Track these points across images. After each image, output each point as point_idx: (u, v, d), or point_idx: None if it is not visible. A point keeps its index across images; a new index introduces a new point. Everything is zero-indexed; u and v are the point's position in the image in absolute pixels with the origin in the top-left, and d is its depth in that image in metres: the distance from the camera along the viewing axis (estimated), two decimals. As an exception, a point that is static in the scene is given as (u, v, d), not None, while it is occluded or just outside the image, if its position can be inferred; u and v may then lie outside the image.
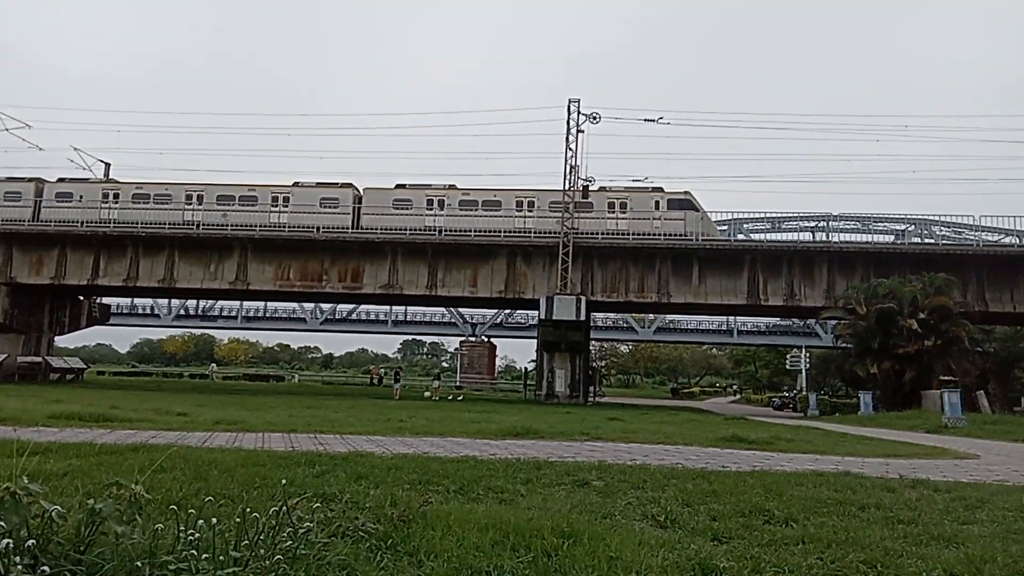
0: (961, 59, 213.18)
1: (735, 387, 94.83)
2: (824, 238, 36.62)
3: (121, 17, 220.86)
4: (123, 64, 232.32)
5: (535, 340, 38.58)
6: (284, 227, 37.16)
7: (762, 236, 40.03)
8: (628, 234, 35.89)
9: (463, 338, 75.12)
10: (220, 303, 74.01)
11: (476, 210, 37.06)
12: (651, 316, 70.71)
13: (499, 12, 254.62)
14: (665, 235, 35.37)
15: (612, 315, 70.00)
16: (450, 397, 36.55)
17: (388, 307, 72.30)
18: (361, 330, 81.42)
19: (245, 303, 73.45)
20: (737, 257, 35.31)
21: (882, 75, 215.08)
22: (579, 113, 36.62)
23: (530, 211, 37.16)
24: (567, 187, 35.87)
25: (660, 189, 37.32)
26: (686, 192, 36.91)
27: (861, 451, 10.99)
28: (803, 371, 58.57)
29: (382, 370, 72.66)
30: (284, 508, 2.83)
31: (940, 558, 3.77)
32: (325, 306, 72.75)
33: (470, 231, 36.32)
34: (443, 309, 71.69)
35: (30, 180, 39.95)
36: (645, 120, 38.48)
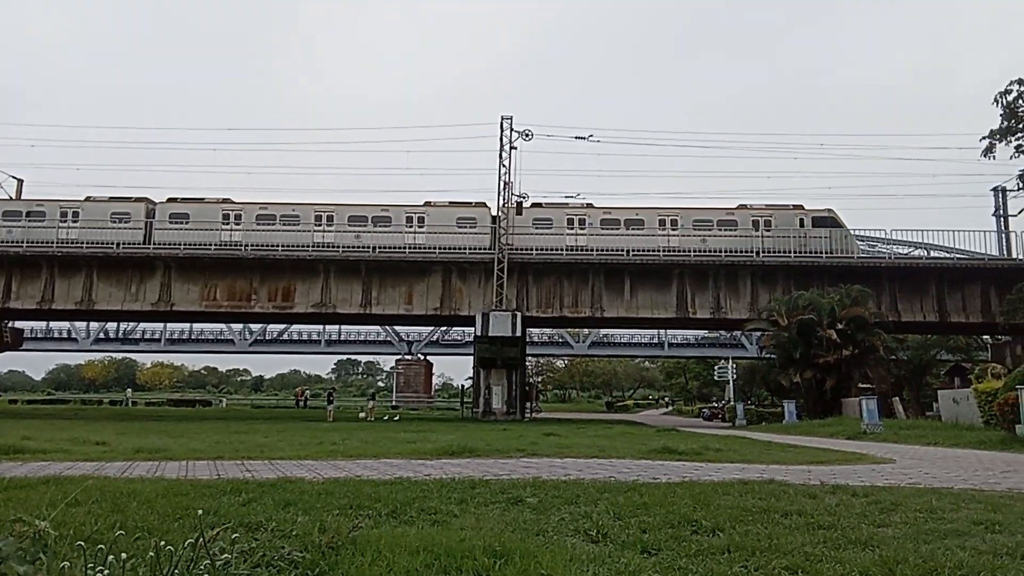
0: (872, 82, 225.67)
1: (667, 399, 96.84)
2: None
3: (33, 29, 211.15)
4: (36, 77, 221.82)
5: (472, 357, 38.48)
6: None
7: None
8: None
9: (399, 356, 74.21)
10: (142, 325, 71.10)
11: (618, 229, 36.57)
12: (586, 331, 71.61)
13: (428, 28, 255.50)
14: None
15: (548, 330, 70.59)
16: (385, 417, 35.97)
17: (321, 327, 70.90)
18: (293, 351, 79.51)
19: (169, 325, 70.75)
20: (666, 272, 36.19)
21: (799, 95, 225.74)
22: (512, 130, 37.06)
23: (673, 229, 36.72)
24: (501, 203, 36.13)
25: (801, 207, 37.26)
26: (829, 209, 36.95)
27: (785, 459, 11.36)
28: (731, 382, 60.29)
29: (307, 392, 70.84)
30: (201, 539, 2.72)
31: (857, 561, 3.89)
32: (254, 327, 70.72)
33: (407, 247, 36.07)
34: (378, 327, 70.78)
35: (138, 200, 37.81)
36: (576, 138, 39.25)
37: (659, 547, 4.26)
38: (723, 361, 65.93)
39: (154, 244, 36.22)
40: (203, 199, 38.14)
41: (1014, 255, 36.25)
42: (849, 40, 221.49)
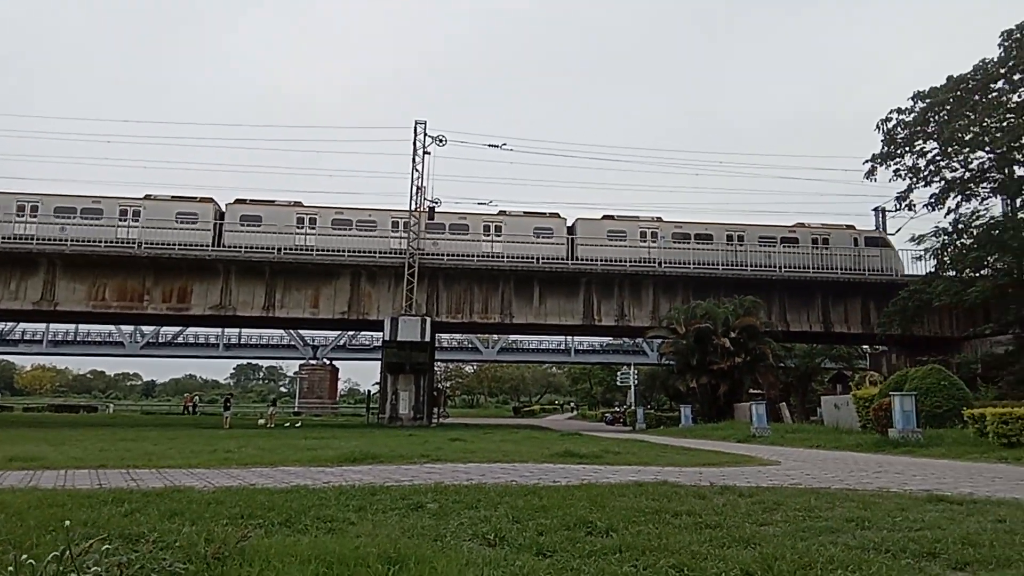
0: (770, 109, 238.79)
1: (572, 404, 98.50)
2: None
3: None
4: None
5: (379, 362, 37.95)
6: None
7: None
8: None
9: (303, 361, 72.32)
10: (22, 325, 66.06)
11: (689, 243, 37.37)
12: (495, 337, 72.00)
13: (341, 26, 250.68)
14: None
15: (457, 336, 70.53)
16: (287, 424, 35.00)
17: (220, 330, 68.09)
18: (188, 355, 75.96)
19: (52, 326, 66.07)
20: (574, 279, 36.91)
21: (701, 116, 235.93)
22: (425, 135, 36.86)
23: (740, 245, 37.94)
24: (413, 208, 35.85)
25: (852, 227, 39.15)
26: (880, 230, 38.99)
27: (680, 461, 11.83)
28: (632, 387, 62.02)
29: (197, 397, 67.62)
30: (68, 552, 2.56)
31: (738, 558, 4.07)
32: (147, 329, 67.05)
33: (314, 249, 35.20)
34: (281, 331, 68.65)
35: (204, 200, 36.52)
36: (489, 145, 39.50)
37: (554, 549, 4.33)
38: (626, 367, 67.84)
39: (225, 246, 35.09)
40: (274, 201, 36.94)
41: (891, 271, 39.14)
42: (750, 68, 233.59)
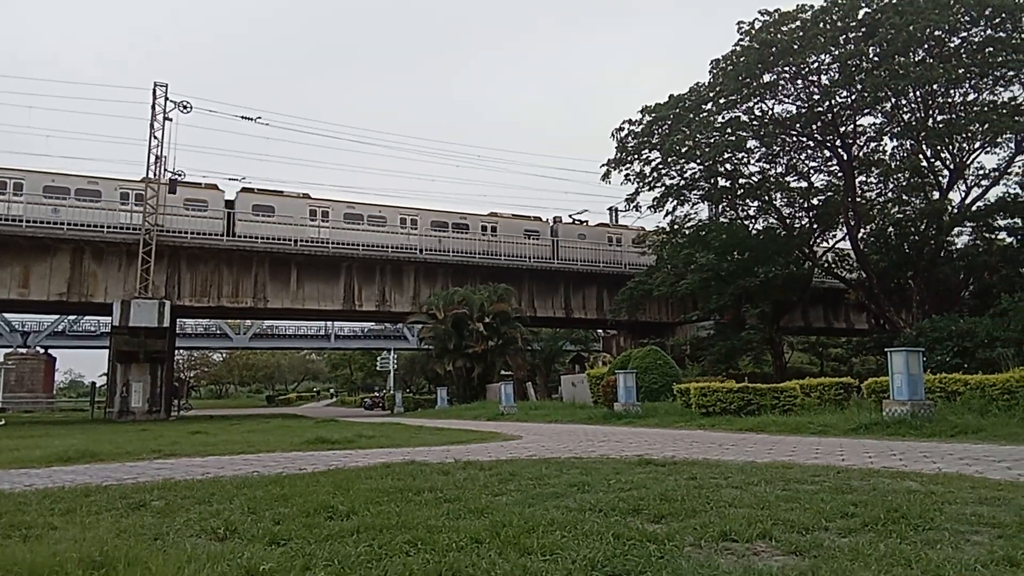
0: (518, 107, 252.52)
1: (332, 390, 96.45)
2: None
3: None
4: None
5: (108, 350, 33.79)
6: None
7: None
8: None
9: (10, 350, 62.05)
10: None
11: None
12: (248, 322, 67.92)
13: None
14: (261, 238, 34.20)
15: (204, 321, 65.23)
16: (-14, 423, 29.79)
17: None
18: None
19: None
20: (335, 264, 36.04)
21: (460, 108, 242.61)
22: (167, 99, 33.44)
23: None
24: (152, 177, 32.30)
25: (537, 218, 41.64)
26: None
27: (430, 441, 12.20)
28: (392, 372, 62.41)
29: None
30: None
31: (471, 528, 4.26)
32: None
33: (24, 220, 30.19)
34: (-21, 315, 58.11)
35: (209, 187, 34.38)
36: (242, 117, 37.00)
37: (290, 537, 4.21)
38: (386, 352, 67.96)
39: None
40: (281, 192, 35.72)
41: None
42: (507, 70, 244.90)
